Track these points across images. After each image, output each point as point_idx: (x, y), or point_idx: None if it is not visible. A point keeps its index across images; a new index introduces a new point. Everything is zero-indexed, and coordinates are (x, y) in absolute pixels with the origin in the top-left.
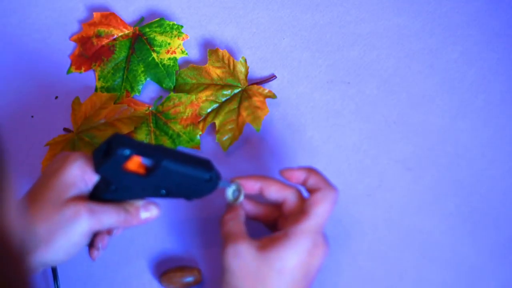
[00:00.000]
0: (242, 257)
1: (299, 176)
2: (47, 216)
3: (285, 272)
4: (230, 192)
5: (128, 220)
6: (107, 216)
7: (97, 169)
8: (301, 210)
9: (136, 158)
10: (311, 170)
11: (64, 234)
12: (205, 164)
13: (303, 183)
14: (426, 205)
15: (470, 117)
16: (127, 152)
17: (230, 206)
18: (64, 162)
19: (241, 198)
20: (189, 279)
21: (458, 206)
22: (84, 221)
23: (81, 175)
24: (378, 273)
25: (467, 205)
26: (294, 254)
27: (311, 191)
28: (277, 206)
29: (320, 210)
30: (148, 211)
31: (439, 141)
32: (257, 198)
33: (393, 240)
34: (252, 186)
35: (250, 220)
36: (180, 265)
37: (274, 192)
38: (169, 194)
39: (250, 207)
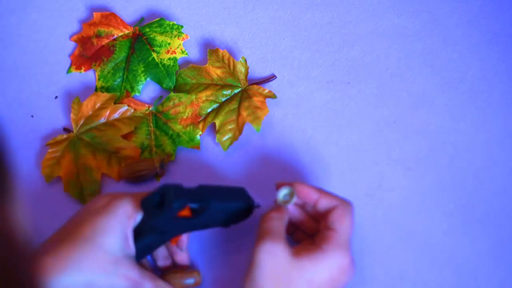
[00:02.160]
0: (277, 256)
1: (313, 196)
2: (96, 269)
3: (314, 283)
4: (281, 194)
5: None
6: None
7: (150, 219)
8: (327, 227)
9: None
10: (320, 190)
11: None
12: (242, 194)
13: (314, 203)
14: (426, 205)
15: (470, 117)
16: (181, 204)
17: (278, 206)
18: (112, 214)
19: (292, 202)
20: (189, 281)
21: (458, 206)
22: None
23: (126, 228)
24: (378, 273)
25: (467, 205)
26: (328, 268)
27: (327, 210)
28: (318, 219)
29: (344, 225)
30: None
31: (439, 141)
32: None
33: (393, 240)
34: (310, 195)
35: (290, 225)
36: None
37: (326, 203)
38: (209, 226)
39: (296, 214)
